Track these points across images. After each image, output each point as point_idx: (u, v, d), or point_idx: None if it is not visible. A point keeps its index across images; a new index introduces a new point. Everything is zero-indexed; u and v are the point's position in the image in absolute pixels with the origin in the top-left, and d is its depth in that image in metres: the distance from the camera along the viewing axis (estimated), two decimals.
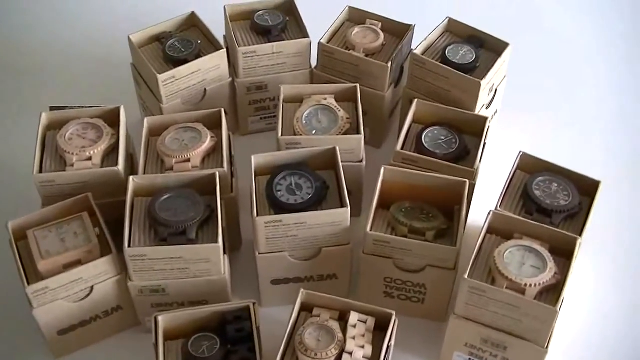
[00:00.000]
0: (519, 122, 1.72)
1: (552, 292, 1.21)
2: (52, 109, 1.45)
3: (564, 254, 1.25)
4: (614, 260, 1.50)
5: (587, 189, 1.34)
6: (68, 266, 1.26)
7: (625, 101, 1.81)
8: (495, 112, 1.62)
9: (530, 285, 1.18)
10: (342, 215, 1.28)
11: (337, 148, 1.35)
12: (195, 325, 1.23)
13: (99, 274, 1.28)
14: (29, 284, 1.24)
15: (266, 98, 1.62)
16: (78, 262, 1.27)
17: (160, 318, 1.21)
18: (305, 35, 1.57)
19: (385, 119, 1.60)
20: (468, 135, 1.44)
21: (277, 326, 1.23)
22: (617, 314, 1.43)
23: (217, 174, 1.32)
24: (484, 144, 1.42)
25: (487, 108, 1.54)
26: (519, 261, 1.22)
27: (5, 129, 1.73)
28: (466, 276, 1.20)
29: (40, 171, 1.36)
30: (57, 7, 2.02)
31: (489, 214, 1.28)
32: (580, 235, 1.28)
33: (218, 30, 1.60)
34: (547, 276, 1.20)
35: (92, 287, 1.29)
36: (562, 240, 1.25)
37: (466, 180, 1.33)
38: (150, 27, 1.58)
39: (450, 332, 1.28)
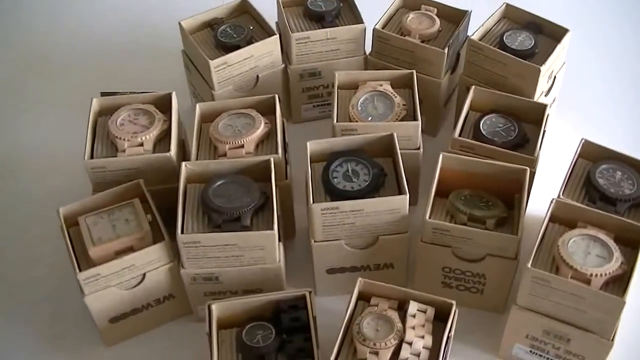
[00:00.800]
0: (578, 110, 1.68)
1: (619, 283, 1.17)
2: (103, 94, 1.44)
3: (630, 244, 1.21)
4: None
5: None
6: (120, 253, 1.25)
7: None
8: (554, 100, 1.59)
9: (596, 275, 1.15)
10: (401, 203, 1.26)
11: (395, 134, 1.32)
12: (250, 314, 1.21)
13: (151, 261, 1.26)
14: (80, 270, 1.23)
15: (319, 85, 1.60)
16: (130, 249, 1.25)
17: (214, 306, 1.19)
18: (360, 21, 1.55)
19: (441, 106, 1.57)
20: (527, 123, 1.41)
21: (333, 316, 1.21)
22: None
23: (272, 160, 1.29)
24: (544, 131, 1.38)
25: (545, 95, 1.51)
26: (584, 250, 1.18)
27: (56, 115, 1.72)
28: (529, 265, 1.16)
29: (92, 157, 1.35)
30: None
31: (551, 202, 1.24)
32: None
33: (270, 16, 1.59)
34: (613, 266, 1.16)
35: (144, 275, 1.27)
36: (628, 229, 1.21)
37: (527, 167, 1.29)
38: (202, 13, 1.56)
39: (511, 323, 1.25)
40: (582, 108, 1.69)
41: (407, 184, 1.27)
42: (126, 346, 1.35)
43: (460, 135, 1.39)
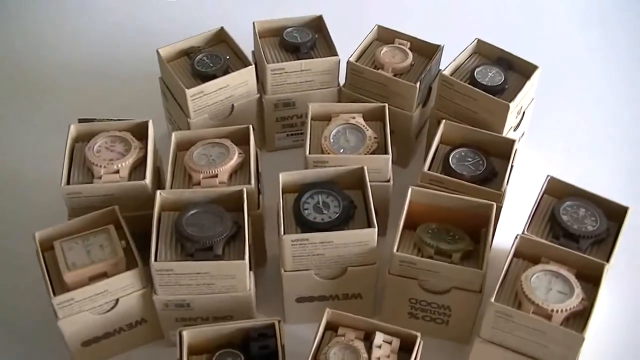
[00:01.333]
0: (546, 145, 1.72)
1: (579, 318, 1.20)
2: (80, 121, 1.45)
3: (591, 280, 1.25)
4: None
5: (615, 214, 1.34)
6: (94, 278, 1.27)
7: None
8: (523, 134, 1.62)
9: (557, 311, 1.18)
10: (369, 236, 1.28)
11: (365, 168, 1.35)
12: (220, 341, 1.23)
13: (124, 287, 1.28)
14: (54, 294, 1.25)
15: (293, 115, 1.63)
16: (104, 275, 1.27)
17: (185, 333, 1.21)
18: (334, 53, 1.57)
19: (412, 138, 1.60)
20: (495, 158, 1.44)
21: (301, 344, 1.23)
22: None
23: (245, 190, 1.32)
24: (512, 166, 1.42)
25: (514, 130, 1.54)
26: (546, 286, 1.21)
27: (34, 141, 1.74)
28: (493, 300, 1.19)
29: (68, 183, 1.37)
30: (86, 22, 2.03)
31: (516, 237, 1.27)
32: (607, 261, 1.27)
33: (246, 46, 1.61)
34: (574, 302, 1.19)
35: (117, 300, 1.29)
36: (589, 265, 1.24)
37: (493, 202, 1.33)
38: (179, 41, 1.58)
39: (474, 356, 1.28)
40: (551, 143, 1.72)
41: (377, 216, 1.30)
42: None
43: (430, 168, 1.42)
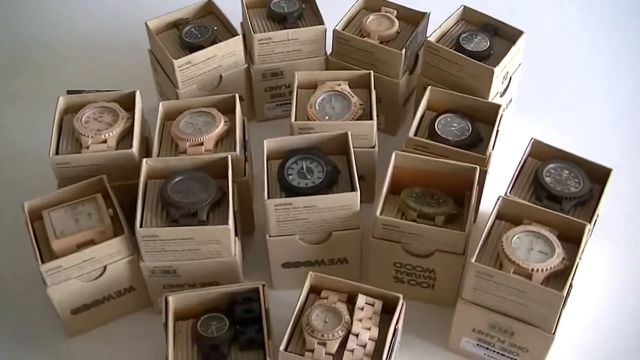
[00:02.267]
0: (534, 110, 1.72)
1: (560, 278, 1.21)
2: (69, 92, 1.47)
3: (573, 241, 1.25)
4: (624, 248, 1.50)
5: (598, 176, 1.34)
6: (81, 246, 1.28)
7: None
8: (510, 101, 1.62)
9: (537, 270, 1.19)
10: (352, 199, 1.29)
11: (349, 133, 1.36)
12: (205, 305, 1.24)
13: (111, 254, 1.30)
14: (43, 262, 1.26)
15: (282, 85, 1.64)
16: (91, 242, 1.29)
17: (170, 298, 1.23)
18: (321, 22, 1.58)
19: (399, 106, 1.60)
20: (482, 123, 1.45)
21: (288, 309, 1.24)
22: (626, 301, 1.42)
23: (229, 157, 1.33)
24: (497, 131, 1.42)
25: (501, 96, 1.54)
26: (527, 246, 1.22)
27: (24, 112, 1.75)
28: (473, 260, 1.20)
29: (57, 153, 1.38)
30: None
31: (498, 199, 1.28)
32: (589, 222, 1.28)
33: (235, 17, 1.62)
34: (554, 262, 1.20)
35: (105, 267, 1.31)
36: (571, 226, 1.25)
37: (476, 166, 1.33)
38: (168, 13, 1.59)
39: (457, 317, 1.29)
40: (538, 109, 1.73)
41: (363, 182, 1.31)
42: (89, 337, 1.38)
43: (416, 134, 1.43)
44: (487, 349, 1.30)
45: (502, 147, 1.50)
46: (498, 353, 1.29)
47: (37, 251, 1.28)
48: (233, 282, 1.32)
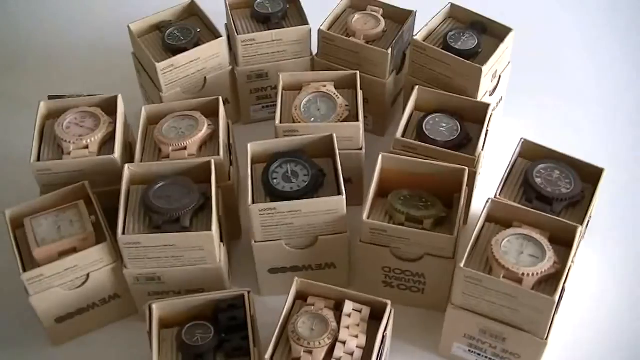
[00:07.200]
0: (524, 109, 1.70)
1: (552, 282, 1.19)
2: (50, 97, 1.45)
3: (565, 243, 1.22)
4: (616, 250, 1.47)
5: (590, 176, 1.32)
6: (63, 254, 1.26)
7: (633, 90, 1.78)
8: (501, 99, 1.60)
9: (528, 275, 1.16)
10: (338, 203, 1.27)
11: (334, 135, 1.33)
12: (190, 313, 1.22)
13: (94, 262, 1.28)
14: (25, 271, 1.24)
15: (267, 86, 1.61)
16: (73, 250, 1.27)
17: (154, 306, 1.21)
18: (305, 23, 1.56)
19: (387, 106, 1.58)
20: (471, 123, 1.42)
21: (276, 315, 1.22)
22: (620, 305, 1.40)
23: (212, 161, 1.31)
24: (486, 131, 1.40)
25: (490, 95, 1.52)
26: (517, 250, 1.20)
27: (5, 118, 1.73)
28: (462, 265, 1.18)
29: (38, 159, 1.36)
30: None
31: (487, 201, 1.26)
32: (581, 223, 1.25)
33: (219, 19, 1.60)
34: (545, 265, 1.18)
35: (88, 275, 1.29)
36: (562, 228, 1.23)
37: (465, 167, 1.31)
38: (150, 16, 1.57)
39: (448, 323, 1.26)
40: (528, 107, 1.71)
41: (351, 185, 1.29)
42: (73, 345, 1.36)
43: (404, 135, 1.40)
44: (479, 354, 1.28)
45: (492, 147, 1.47)
46: (490, 359, 1.27)
47: (19, 260, 1.26)
48: (219, 288, 1.29)
